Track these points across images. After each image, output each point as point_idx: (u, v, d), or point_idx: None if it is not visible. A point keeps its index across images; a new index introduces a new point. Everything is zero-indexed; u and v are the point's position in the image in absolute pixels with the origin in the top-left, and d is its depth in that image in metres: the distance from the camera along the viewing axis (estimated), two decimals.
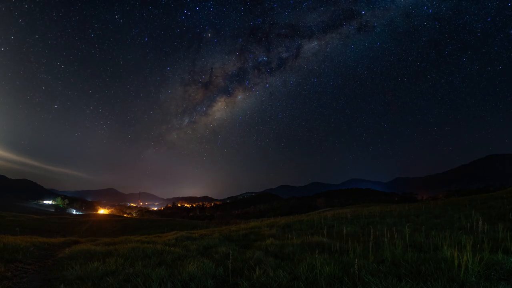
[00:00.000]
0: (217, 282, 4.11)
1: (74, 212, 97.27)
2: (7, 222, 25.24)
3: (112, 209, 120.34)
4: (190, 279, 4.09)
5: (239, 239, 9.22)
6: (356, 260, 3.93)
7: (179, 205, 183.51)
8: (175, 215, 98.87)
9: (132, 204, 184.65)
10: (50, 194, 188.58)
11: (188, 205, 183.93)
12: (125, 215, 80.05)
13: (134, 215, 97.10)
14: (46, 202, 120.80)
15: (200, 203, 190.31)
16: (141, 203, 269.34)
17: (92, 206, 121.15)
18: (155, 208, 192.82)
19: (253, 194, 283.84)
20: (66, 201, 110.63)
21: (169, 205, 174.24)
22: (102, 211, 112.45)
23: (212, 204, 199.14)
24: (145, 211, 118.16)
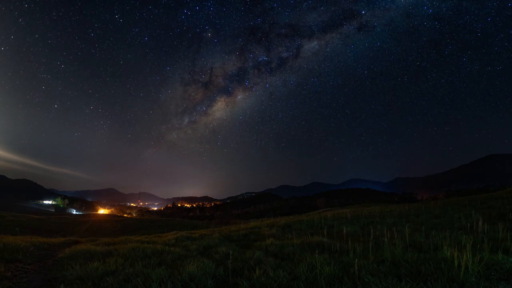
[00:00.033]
0: (217, 282, 4.11)
1: (74, 212, 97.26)
2: (7, 222, 25.23)
3: (112, 209, 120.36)
4: (190, 279, 4.09)
5: (239, 239, 9.22)
6: (356, 260, 3.93)
7: (179, 205, 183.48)
8: (175, 215, 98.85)
9: (132, 204, 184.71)
10: (50, 194, 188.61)
11: (188, 205, 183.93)
12: (125, 215, 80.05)
13: (134, 215, 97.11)
14: (46, 202, 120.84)
15: (200, 203, 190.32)
16: (141, 203, 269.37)
17: (92, 206, 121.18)
18: (155, 208, 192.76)
19: (253, 194, 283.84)
20: (66, 201, 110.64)
21: (169, 205, 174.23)
22: (102, 211, 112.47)
23: (212, 204, 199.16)
24: (145, 211, 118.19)
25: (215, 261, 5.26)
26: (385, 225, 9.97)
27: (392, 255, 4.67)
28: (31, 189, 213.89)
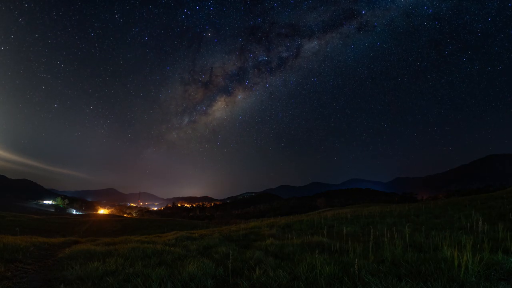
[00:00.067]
0: (217, 282, 4.11)
1: (74, 212, 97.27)
2: (7, 222, 25.24)
3: (112, 209, 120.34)
4: (190, 279, 4.09)
5: (239, 239, 9.22)
6: (356, 260, 3.93)
7: (179, 205, 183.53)
8: (175, 215, 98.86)
9: (132, 204, 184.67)
10: (50, 194, 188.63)
11: (188, 205, 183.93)
12: (125, 215, 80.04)
13: (134, 215, 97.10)
14: (46, 202, 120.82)
15: (200, 203, 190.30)
16: (141, 203, 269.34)
17: (92, 206, 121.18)
18: (155, 208, 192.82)
19: (253, 194, 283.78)
20: (66, 201, 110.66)
21: (169, 205, 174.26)
22: (102, 211, 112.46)
23: (212, 204, 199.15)
24: (145, 211, 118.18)
25: (215, 261, 5.26)
26: (385, 225, 9.97)
27: (392, 255, 4.67)
28: (31, 189, 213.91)
